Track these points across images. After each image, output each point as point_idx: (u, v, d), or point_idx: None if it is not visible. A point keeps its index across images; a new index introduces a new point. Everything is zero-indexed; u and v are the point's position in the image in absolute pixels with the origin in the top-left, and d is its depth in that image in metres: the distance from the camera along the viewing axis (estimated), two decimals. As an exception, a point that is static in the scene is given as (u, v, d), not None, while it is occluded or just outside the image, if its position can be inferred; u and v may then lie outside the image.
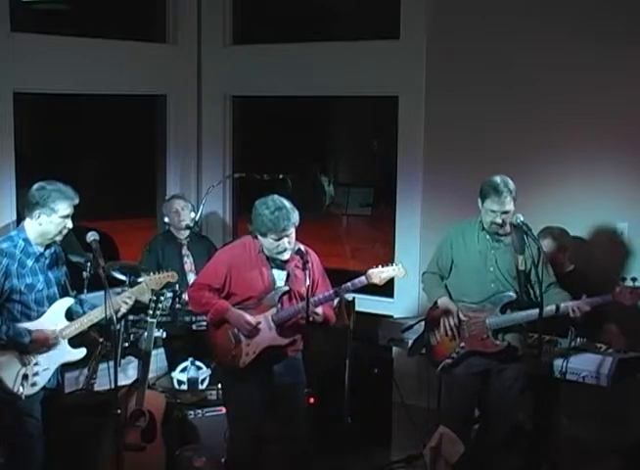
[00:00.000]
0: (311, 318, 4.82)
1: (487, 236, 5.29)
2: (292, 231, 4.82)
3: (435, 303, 5.35)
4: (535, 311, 5.12)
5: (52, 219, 4.59)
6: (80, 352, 4.81)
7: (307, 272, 4.76)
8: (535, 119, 6.30)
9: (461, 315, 5.22)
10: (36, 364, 4.64)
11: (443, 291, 5.34)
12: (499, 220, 5.17)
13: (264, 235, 4.82)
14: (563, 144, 6.20)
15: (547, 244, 5.77)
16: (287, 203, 4.83)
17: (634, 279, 5.04)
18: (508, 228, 5.26)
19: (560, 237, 5.84)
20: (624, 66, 5.99)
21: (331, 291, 4.94)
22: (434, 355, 5.41)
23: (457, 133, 6.60)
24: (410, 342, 5.80)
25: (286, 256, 4.88)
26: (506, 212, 5.16)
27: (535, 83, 6.27)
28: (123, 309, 4.79)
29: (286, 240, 4.81)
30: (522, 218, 5.17)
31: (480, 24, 6.45)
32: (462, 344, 5.26)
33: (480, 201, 5.22)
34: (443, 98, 6.62)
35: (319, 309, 4.88)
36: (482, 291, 5.26)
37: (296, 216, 4.81)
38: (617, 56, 5.99)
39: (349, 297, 5.73)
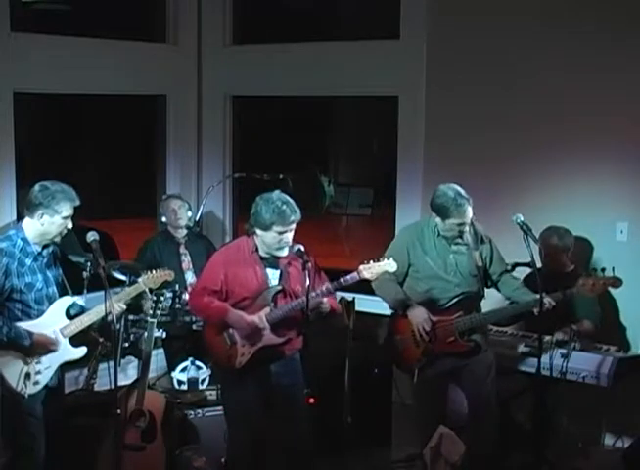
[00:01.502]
0: (320, 310, 4.83)
1: (444, 241, 5.32)
2: (294, 227, 4.83)
3: (398, 310, 5.38)
4: (505, 308, 5.39)
5: (54, 220, 4.60)
6: (81, 351, 4.82)
7: (307, 272, 4.75)
8: (535, 119, 6.29)
9: (431, 321, 5.25)
10: (38, 363, 4.64)
11: (407, 296, 5.35)
12: (466, 229, 5.24)
13: (268, 228, 4.80)
14: (563, 144, 6.19)
15: (550, 243, 5.78)
16: (290, 199, 4.86)
17: (603, 270, 5.10)
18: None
19: (563, 237, 5.84)
20: (625, 65, 5.99)
21: (329, 285, 4.90)
22: (402, 361, 5.46)
23: (457, 133, 6.60)
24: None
25: (285, 252, 4.88)
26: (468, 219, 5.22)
27: (535, 83, 6.26)
28: (116, 312, 4.75)
29: (289, 235, 4.82)
30: (522, 218, 5.18)
31: (480, 24, 6.44)
32: (431, 348, 5.29)
33: (436, 216, 5.24)
34: (443, 98, 6.62)
35: (324, 299, 4.87)
36: (447, 295, 5.31)
37: (299, 212, 4.83)
38: (618, 55, 5.99)
39: (349, 297, 5.73)
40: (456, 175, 6.32)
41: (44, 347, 4.63)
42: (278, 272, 4.97)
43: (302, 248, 4.91)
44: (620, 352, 5.48)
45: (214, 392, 5.81)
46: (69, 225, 4.66)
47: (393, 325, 5.49)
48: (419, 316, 5.27)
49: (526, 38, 6.27)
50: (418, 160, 6.79)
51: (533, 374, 5.30)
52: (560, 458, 5.58)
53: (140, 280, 4.95)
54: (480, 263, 5.34)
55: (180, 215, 6.71)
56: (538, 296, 5.13)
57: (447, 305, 5.31)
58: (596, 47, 6.05)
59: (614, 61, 6.00)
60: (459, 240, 5.32)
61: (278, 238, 4.82)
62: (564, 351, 5.37)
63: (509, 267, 5.48)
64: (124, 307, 4.84)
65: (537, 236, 5.36)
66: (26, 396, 4.59)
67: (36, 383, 4.63)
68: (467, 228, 5.27)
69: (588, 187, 6.15)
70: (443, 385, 5.48)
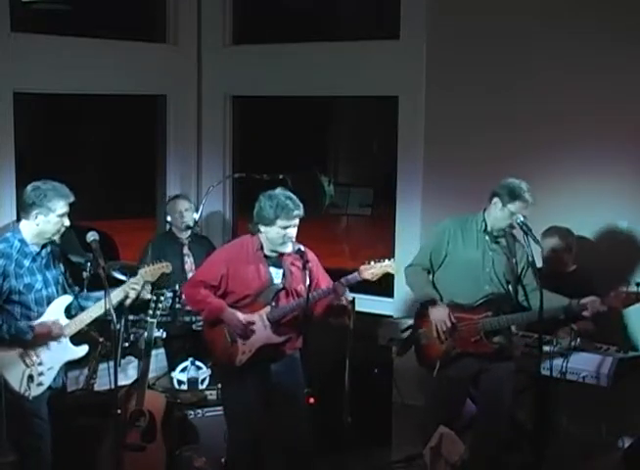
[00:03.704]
0: (340, 301, 4.90)
1: (487, 237, 5.28)
2: (297, 222, 4.84)
3: (424, 303, 5.34)
4: (530, 313, 5.18)
5: (49, 219, 4.59)
6: (82, 350, 4.81)
7: (307, 272, 4.76)
8: (536, 119, 6.29)
9: (452, 319, 5.21)
10: (40, 364, 4.63)
11: (433, 290, 5.31)
12: (519, 221, 5.15)
13: (272, 223, 4.81)
14: (563, 144, 6.19)
15: (552, 243, 5.77)
16: (293, 195, 4.89)
17: (638, 284, 5.01)
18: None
19: (565, 237, 5.84)
20: (625, 65, 5.99)
21: (330, 285, 4.93)
22: (424, 357, 5.41)
23: (457, 133, 6.60)
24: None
25: (288, 248, 4.87)
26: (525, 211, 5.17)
27: (535, 83, 6.27)
28: (132, 295, 4.78)
29: (293, 230, 4.83)
30: (522, 218, 5.16)
31: (480, 24, 6.44)
32: (454, 346, 5.25)
33: (498, 202, 5.15)
34: (443, 98, 6.62)
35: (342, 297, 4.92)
36: (476, 292, 5.26)
37: (302, 208, 4.85)
38: (618, 55, 5.99)
39: (349, 297, 5.73)
40: (456, 175, 6.35)
41: (47, 335, 4.60)
42: (281, 271, 4.97)
43: (302, 248, 4.91)
44: (620, 353, 5.48)
45: (214, 392, 5.81)
46: (67, 223, 4.64)
47: (419, 318, 5.44)
48: (439, 314, 5.22)
49: (526, 38, 6.27)
50: (418, 160, 6.79)
51: (534, 374, 5.30)
52: (560, 458, 5.58)
53: (139, 273, 4.94)
54: (517, 271, 5.26)
55: (187, 217, 6.72)
56: (569, 301, 5.10)
57: (475, 303, 5.25)
58: (596, 47, 6.05)
59: (614, 61, 6.00)
60: (499, 240, 5.26)
61: (282, 233, 4.82)
62: (564, 351, 5.36)
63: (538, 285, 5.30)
64: (138, 288, 4.81)
65: (538, 236, 5.36)
66: (31, 398, 4.58)
67: (40, 384, 4.62)
68: (511, 229, 5.22)
69: (588, 187, 6.15)
70: (463, 388, 5.41)
